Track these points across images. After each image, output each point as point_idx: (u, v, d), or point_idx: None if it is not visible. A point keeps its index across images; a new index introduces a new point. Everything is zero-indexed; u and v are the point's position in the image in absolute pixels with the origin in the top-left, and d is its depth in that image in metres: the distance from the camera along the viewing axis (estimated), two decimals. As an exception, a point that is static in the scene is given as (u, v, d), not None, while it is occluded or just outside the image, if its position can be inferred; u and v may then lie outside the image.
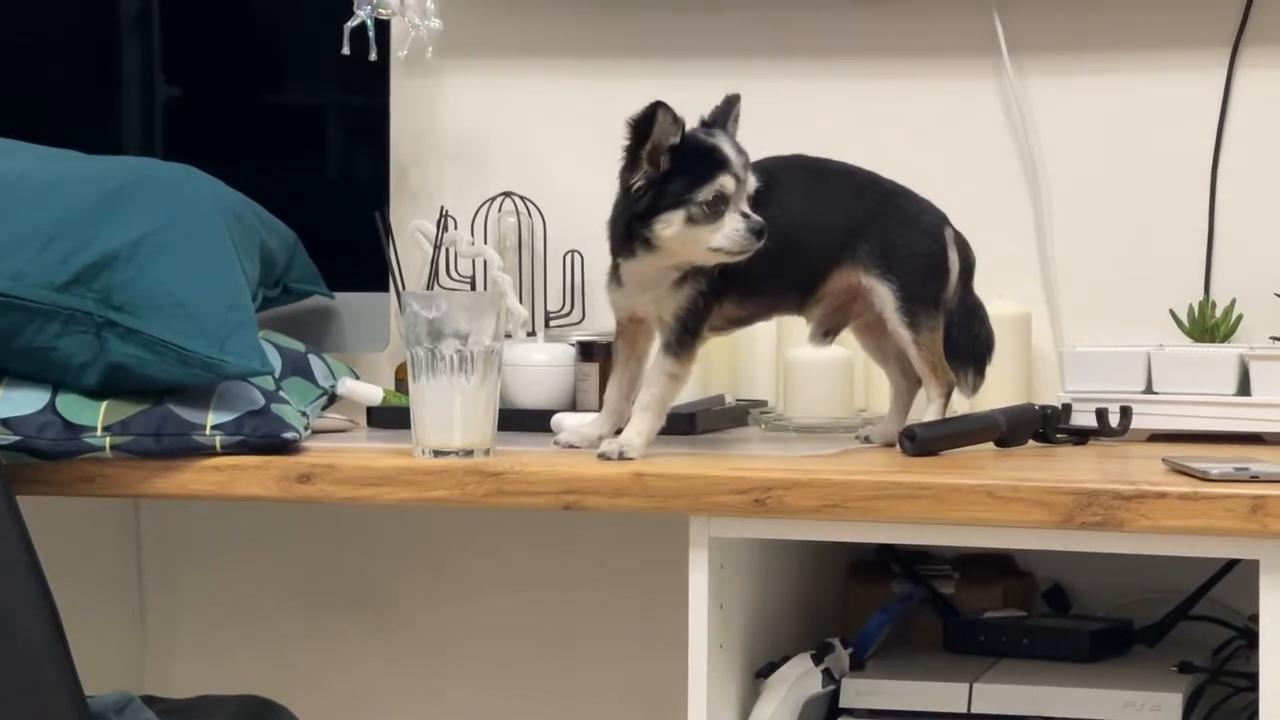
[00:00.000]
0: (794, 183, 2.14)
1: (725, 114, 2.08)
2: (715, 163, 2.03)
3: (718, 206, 2.02)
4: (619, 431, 2.09)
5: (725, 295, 2.09)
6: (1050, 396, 2.35)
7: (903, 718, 2.11)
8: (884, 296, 2.12)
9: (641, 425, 2.06)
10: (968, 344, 2.18)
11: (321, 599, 2.76)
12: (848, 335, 2.24)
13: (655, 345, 2.11)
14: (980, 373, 2.20)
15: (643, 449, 2.05)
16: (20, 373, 2.09)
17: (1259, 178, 2.46)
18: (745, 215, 2.03)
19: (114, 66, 2.65)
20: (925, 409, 2.17)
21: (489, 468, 2.00)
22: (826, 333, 2.19)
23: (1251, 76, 2.46)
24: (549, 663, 2.69)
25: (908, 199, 2.17)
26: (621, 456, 2.02)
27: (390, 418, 2.34)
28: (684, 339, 2.08)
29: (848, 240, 2.13)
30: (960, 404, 2.40)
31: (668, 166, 2.03)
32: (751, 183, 2.05)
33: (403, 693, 2.75)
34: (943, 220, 2.17)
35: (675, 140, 2.03)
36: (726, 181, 2.03)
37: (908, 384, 2.19)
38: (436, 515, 2.64)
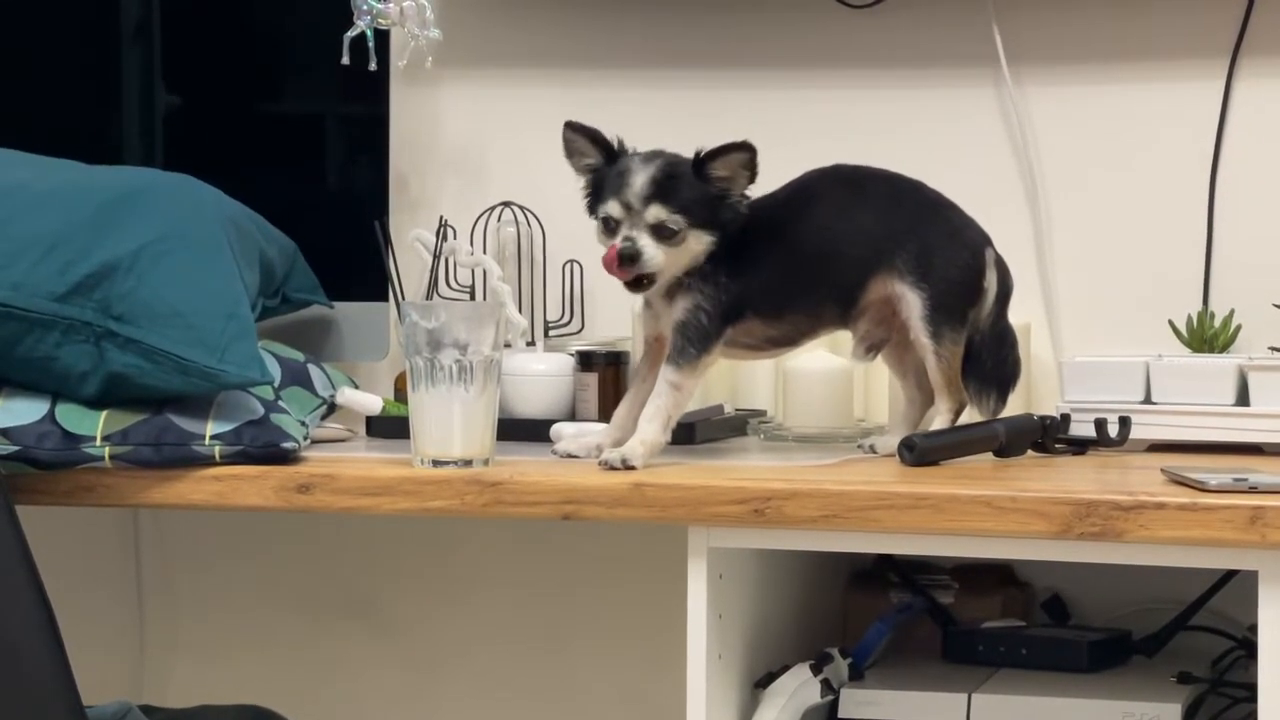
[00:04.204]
0: (830, 193, 2.15)
1: (713, 156, 2.07)
2: (614, 186, 2.08)
3: (610, 226, 2.08)
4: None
5: (740, 312, 2.10)
6: (1049, 407, 2.35)
7: (902, 728, 2.12)
8: (912, 304, 2.12)
9: (645, 434, 2.06)
10: (996, 369, 2.18)
11: (320, 609, 2.76)
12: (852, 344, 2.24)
13: None
14: (1003, 399, 2.20)
15: (645, 458, 2.05)
16: (20, 382, 2.10)
17: (1257, 188, 2.47)
18: (626, 239, 2.06)
19: (114, 76, 2.65)
20: (932, 422, 2.17)
21: (488, 477, 2.00)
22: (870, 349, 2.18)
23: (1250, 87, 2.46)
24: (548, 672, 2.69)
25: (951, 211, 2.17)
26: (624, 464, 2.02)
27: (389, 427, 2.34)
28: (685, 350, 2.08)
29: (886, 246, 2.13)
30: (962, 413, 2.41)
31: (594, 182, 2.11)
32: (652, 214, 2.06)
33: (401, 703, 2.75)
34: (985, 240, 2.18)
35: (592, 160, 2.10)
36: (613, 207, 2.07)
37: (922, 398, 2.19)
38: (435, 525, 2.64)
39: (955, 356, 2.14)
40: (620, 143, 2.11)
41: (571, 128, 2.11)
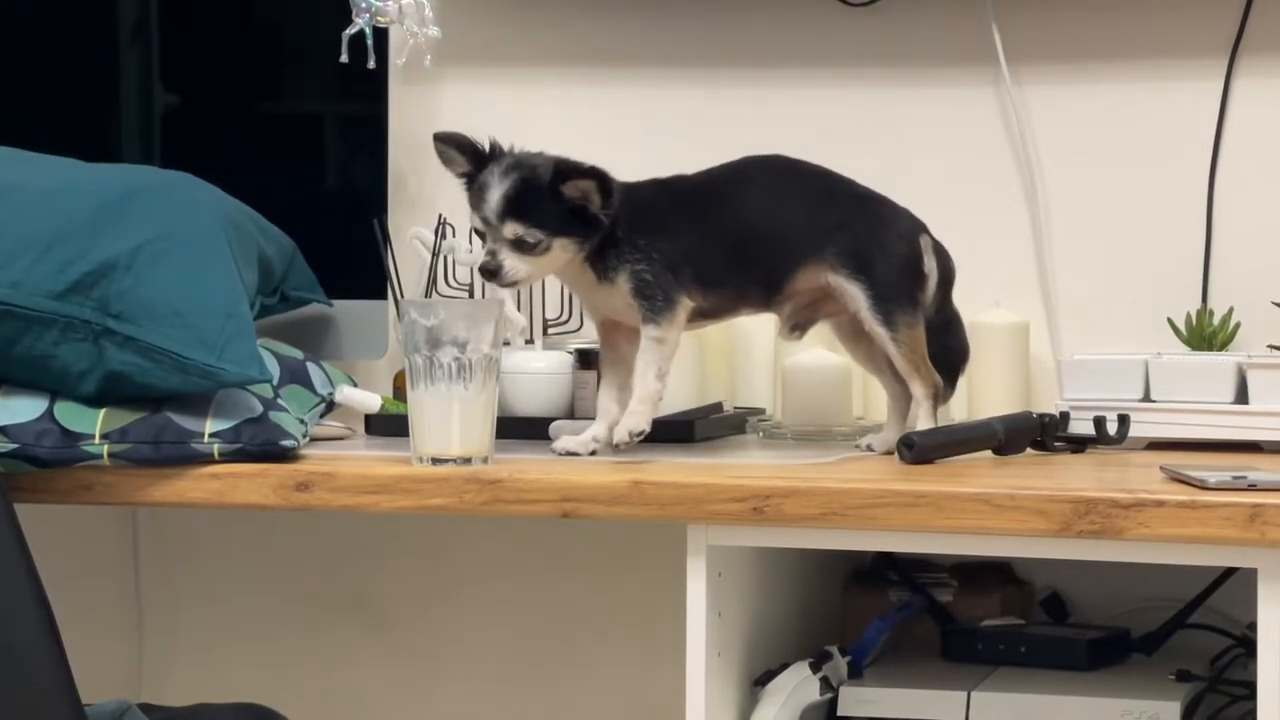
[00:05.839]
0: (765, 179, 2.17)
1: (564, 177, 2.08)
2: (476, 200, 2.11)
3: (481, 235, 2.11)
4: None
5: (688, 281, 2.11)
6: (1048, 405, 2.35)
7: (901, 726, 2.12)
8: (856, 297, 2.13)
9: (640, 392, 2.09)
10: (941, 355, 2.19)
11: (319, 606, 2.76)
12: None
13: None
14: (952, 383, 2.22)
15: (647, 418, 2.07)
16: (19, 380, 2.10)
17: (1256, 186, 2.47)
18: (489, 253, 2.09)
19: (113, 75, 2.65)
20: (915, 411, 2.17)
21: (487, 476, 2.00)
22: (795, 328, 2.20)
23: (1249, 85, 2.46)
24: (547, 669, 2.69)
25: (882, 205, 2.18)
26: (633, 436, 2.06)
27: (388, 426, 2.33)
28: (654, 304, 2.10)
29: (815, 239, 2.14)
30: (959, 412, 2.41)
31: (469, 188, 2.12)
32: (509, 230, 2.08)
33: (400, 700, 2.75)
34: (919, 227, 2.18)
35: (464, 167, 2.12)
36: (476, 221, 2.11)
37: (903, 390, 2.20)
38: (434, 522, 2.64)
39: (916, 340, 2.14)
40: (492, 146, 2.12)
41: (438, 138, 2.14)
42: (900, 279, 2.14)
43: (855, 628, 2.29)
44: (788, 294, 2.16)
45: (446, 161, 2.14)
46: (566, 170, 2.08)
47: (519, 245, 2.09)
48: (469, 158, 2.12)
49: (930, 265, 2.17)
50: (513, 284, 2.12)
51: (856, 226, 2.14)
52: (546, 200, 2.08)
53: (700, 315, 2.16)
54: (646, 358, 2.10)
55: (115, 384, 2.08)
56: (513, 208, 2.08)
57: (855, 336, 2.19)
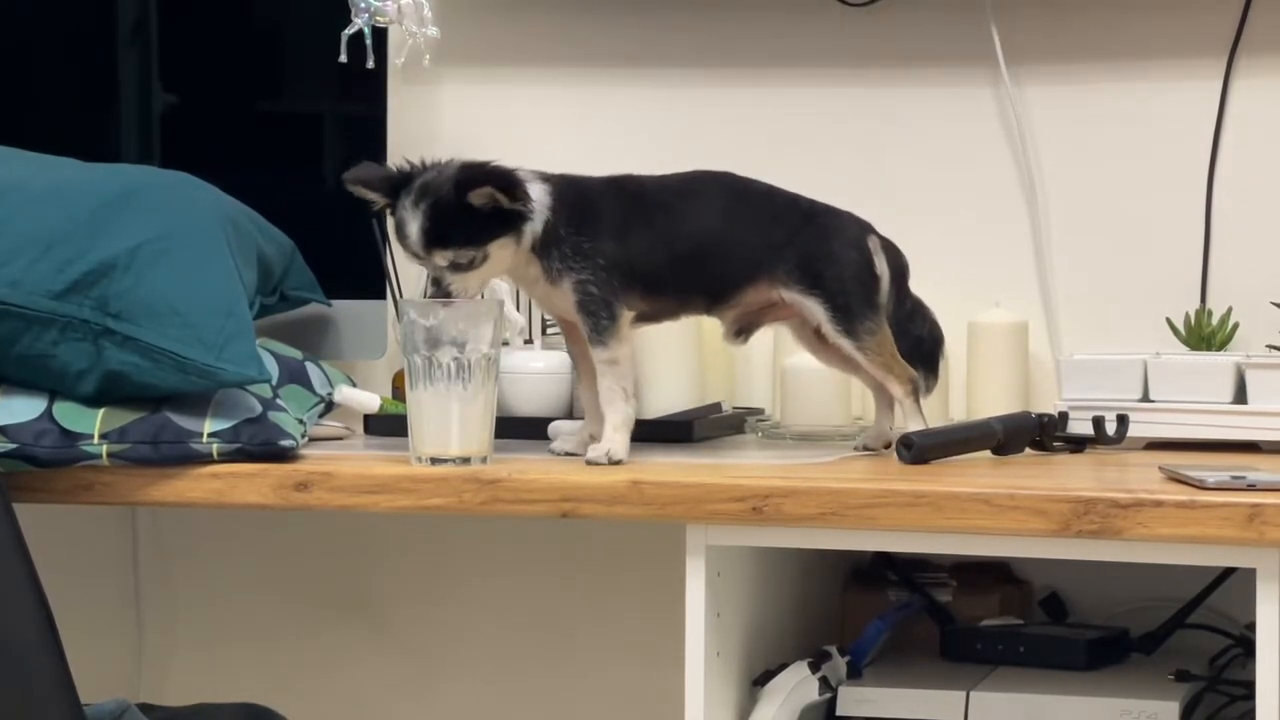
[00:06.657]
0: (715, 196, 2.16)
1: (463, 192, 2.05)
2: (399, 238, 2.09)
3: (421, 263, 2.11)
4: None
5: (631, 284, 2.10)
6: (1047, 404, 2.35)
7: (900, 726, 2.12)
8: (814, 311, 2.13)
9: (613, 419, 2.07)
10: (913, 347, 2.19)
11: (318, 605, 2.76)
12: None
13: None
14: (933, 372, 2.22)
15: (625, 444, 2.06)
16: (18, 380, 2.10)
17: (1255, 186, 2.47)
18: (434, 282, 2.08)
19: (112, 75, 2.65)
20: (898, 410, 2.17)
21: (486, 475, 2.00)
22: (739, 332, 2.20)
23: (1247, 85, 2.46)
24: (546, 670, 2.69)
25: (827, 215, 2.18)
26: (610, 459, 2.04)
27: (387, 426, 2.34)
28: (598, 324, 2.09)
29: (764, 259, 2.14)
30: (958, 412, 2.41)
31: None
32: (439, 259, 2.06)
33: (399, 700, 2.75)
34: (865, 229, 2.18)
35: (382, 201, 2.10)
36: (410, 256, 2.09)
37: (881, 384, 2.20)
38: (433, 522, 2.65)
39: (881, 343, 2.14)
40: (400, 170, 2.10)
41: (348, 180, 2.12)
42: (854, 286, 2.14)
43: (854, 627, 2.29)
44: (732, 304, 2.16)
45: (364, 199, 2.12)
46: (465, 182, 2.06)
47: (456, 267, 2.07)
48: (384, 190, 2.10)
49: (881, 266, 2.17)
50: (473, 299, 2.10)
51: (805, 241, 2.14)
52: (461, 216, 2.05)
53: (641, 319, 2.15)
54: (607, 382, 2.08)
55: (114, 384, 2.08)
56: (433, 237, 2.06)
57: (819, 344, 2.19)
